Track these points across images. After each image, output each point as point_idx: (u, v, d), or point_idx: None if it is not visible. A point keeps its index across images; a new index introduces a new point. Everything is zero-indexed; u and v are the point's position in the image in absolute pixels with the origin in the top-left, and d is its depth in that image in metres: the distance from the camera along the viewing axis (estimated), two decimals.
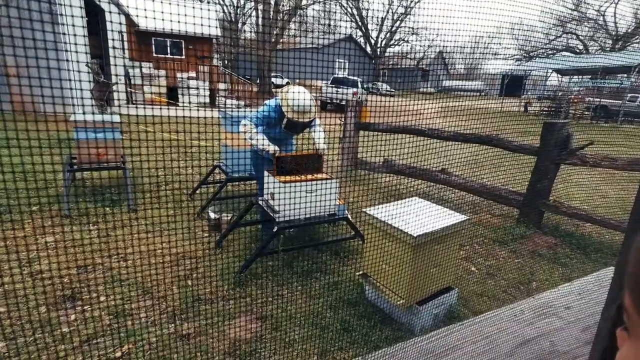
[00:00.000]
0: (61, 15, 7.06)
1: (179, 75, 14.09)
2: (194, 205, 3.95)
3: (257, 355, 1.95)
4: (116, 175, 4.51)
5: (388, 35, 34.88)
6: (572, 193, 4.58)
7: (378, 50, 34.97)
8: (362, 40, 34.99)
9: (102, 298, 2.30)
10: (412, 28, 32.51)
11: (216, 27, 17.05)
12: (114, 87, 10.21)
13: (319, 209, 2.82)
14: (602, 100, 16.06)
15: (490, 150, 4.10)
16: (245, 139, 2.86)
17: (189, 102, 13.77)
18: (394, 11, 33.27)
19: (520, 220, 3.97)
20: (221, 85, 15.14)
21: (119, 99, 11.32)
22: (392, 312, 2.29)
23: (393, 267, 2.15)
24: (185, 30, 14.20)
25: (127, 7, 12.58)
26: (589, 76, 18.33)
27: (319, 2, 24.77)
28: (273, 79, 20.25)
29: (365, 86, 17.19)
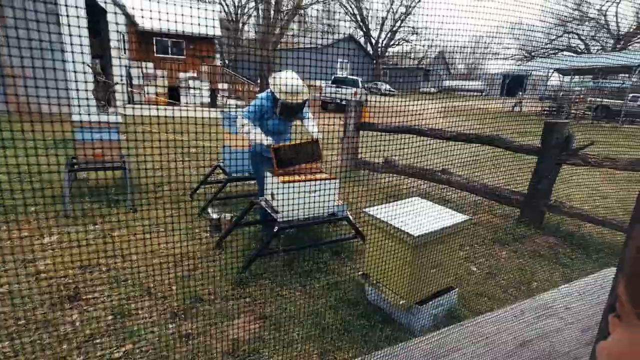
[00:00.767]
0: (63, 15, 7.07)
1: (179, 75, 14.11)
2: (195, 206, 3.96)
3: (257, 355, 1.95)
4: (116, 176, 4.52)
5: (389, 35, 34.87)
6: (573, 193, 4.58)
7: (379, 50, 34.96)
8: (362, 40, 34.99)
9: (103, 298, 2.31)
10: (413, 28, 32.52)
11: (217, 27, 17.06)
12: (115, 88, 10.22)
13: (319, 209, 2.82)
14: (603, 100, 16.03)
15: (491, 150, 4.10)
16: (242, 133, 2.87)
17: (190, 102, 13.78)
18: (395, 11, 33.27)
19: (521, 221, 3.96)
20: (222, 85, 15.16)
21: (120, 99, 11.33)
22: (393, 312, 2.29)
23: (393, 267, 2.15)
24: (186, 30, 14.22)
25: (130, 7, 12.59)
26: (590, 76, 18.30)
27: (320, 1, 24.79)
28: None
29: (366, 86, 17.19)
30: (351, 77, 16.14)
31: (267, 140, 2.81)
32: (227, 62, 21.07)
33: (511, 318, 1.60)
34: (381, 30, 34.77)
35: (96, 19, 11.02)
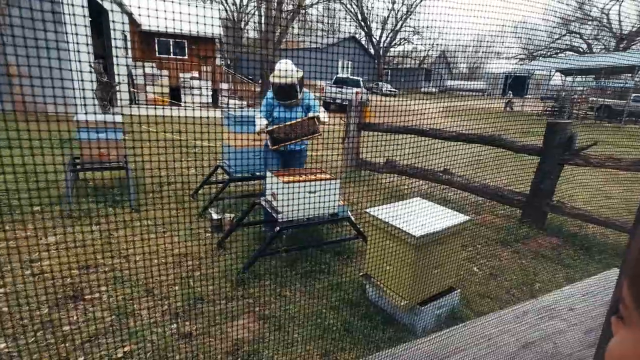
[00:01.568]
0: (65, 15, 7.08)
1: (181, 75, 14.13)
2: (197, 206, 3.96)
3: (258, 356, 1.95)
4: (119, 175, 4.52)
5: (391, 35, 34.83)
6: (575, 193, 4.56)
7: (381, 50, 34.93)
8: (364, 40, 34.96)
9: (105, 298, 2.31)
10: (415, 27, 32.47)
11: (219, 27, 17.07)
12: (117, 88, 10.25)
13: (321, 209, 2.82)
14: (605, 100, 15.97)
15: (493, 150, 4.09)
16: (259, 126, 3.04)
17: (192, 102, 13.79)
18: (397, 11, 33.24)
19: (524, 221, 3.95)
20: (224, 85, 15.17)
21: (121, 99, 11.36)
22: (394, 312, 2.28)
23: (395, 268, 2.14)
24: (188, 30, 14.24)
25: (130, 7, 12.62)
26: (593, 76, 18.23)
27: (322, 2, 24.78)
28: None
29: (367, 86, 17.16)
30: (353, 77, 16.12)
31: (260, 123, 3.00)
32: (228, 62, 21.09)
33: (514, 319, 1.59)
34: (383, 30, 34.75)
35: (98, 19, 11.06)
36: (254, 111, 3.34)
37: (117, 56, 11.80)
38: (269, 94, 3.16)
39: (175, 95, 13.62)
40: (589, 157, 3.54)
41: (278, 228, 2.67)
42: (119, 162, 3.92)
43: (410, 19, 32.86)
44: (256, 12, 27.67)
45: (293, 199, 2.59)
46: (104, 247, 2.91)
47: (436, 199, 4.54)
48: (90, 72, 8.06)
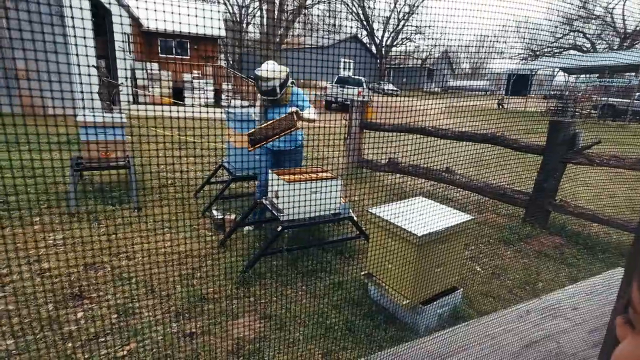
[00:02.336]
0: (68, 17, 7.12)
1: (184, 75, 14.16)
2: (198, 204, 3.97)
3: (260, 355, 1.95)
4: (124, 175, 4.54)
5: (393, 34, 34.78)
6: (579, 192, 4.53)
7: (383, 49, 34.87)
8: (366, 39, 34.92)
9: (108, 297, 2.32)
10: (417, 27, 32.40)
11: (221, 28, 17.10)
12: (120, 88, 10.28)
13: (323, 209, 2.81)
14: (609, 99, 15.88)
15: (496, 149, 4.07)
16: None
17: (194, 102, 13.82)
18: (399, 10, 33.17)
19: (526, 220, 3.93)
20: (226, 85, 15.20)
21: (124, 99, 11.39)
22: (397, 311, 2.28)
23: (397, 267, 2.14)
24: (190, 30, 14.27)
25: (135, 7, 12.66)
26: (596, 75, 18.13)
27: (324, 1, 24.77)
28: None
29: (370, 86, 17.15)
30: (355, 76, 16.11)
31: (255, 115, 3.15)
32: (231, 62, 21.12)
33: (517, 318, 1.58)
34: (385, 29, 34.69)
35: (101, 19, 11.09)
36: (253, 111, 3.38)
37: (120, 58, 11.84)
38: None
39: (177, 95, 13.65)
40: (592, 156, 3.52)
41: (280, 227, 2.67)
42: (123, 161, 3.93)
43: (412, 18, 32.80)
44: (258, 13, 27.72)
45: (295, 198, 2.59)
46: (107, 246, 2.92)
47: (438, 198, 4.53)
48: (89, 74, 8.09)
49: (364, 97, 13.55)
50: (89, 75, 7.53)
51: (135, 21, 14.05)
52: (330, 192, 2.78)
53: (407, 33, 34.74)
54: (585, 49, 27.26)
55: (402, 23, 33.65)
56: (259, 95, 3.19)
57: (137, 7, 12.78)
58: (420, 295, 2.14)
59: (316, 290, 2.57)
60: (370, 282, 2.42)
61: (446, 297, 2.31)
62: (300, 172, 2.95)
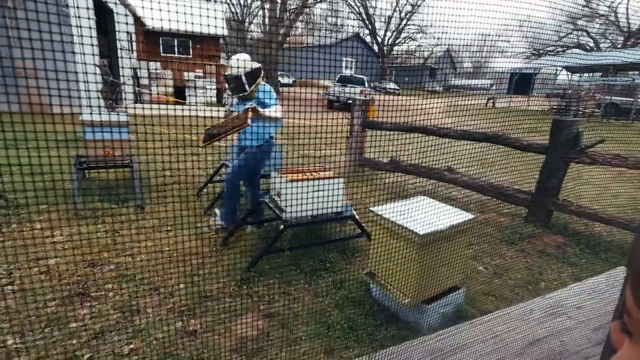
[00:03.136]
0: (71, 16, 7.14)
1: (186, 74, 14.18)
2: (202, 203, 3.98)
3: (263, 353, 1.96)
4: (128, 173, 4.55)
5: (395, 33, 34.72)
6: (581, 191, 4.52)
7: (385, 48, 34.82)
8: (368, 38, 34.87)
9: (111, 295, 2.33)
10: (420, 26, 32.32)
11: (223, 27, 17.11)
12: (123, 87, 10.31)
13: (325, 208, 2.82)
14: (612, 97, 15.80)
15: (498, 148, 4.06)
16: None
17: (196, 101, 13.84)
18: (401, 9, 33.10)
19: (529, 219, 3.92)
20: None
21: (127, 98, 11.42)
22: (399, 310, 2.28)
23: (399, 266, 2.14)
24: (192, 29, 14.28)
25: (137, 7, 12.68)
26: (600, 73, 18.04)
27: (326, 0, 24.75)
28: (279, 78, 20.31)
29: (372, 85, 17.14)
30: (357, 75, 16.10)
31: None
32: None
33: (520, 316, 1.58)
34: (387, 28, 34.62)
35: (104, 18, 11.12)
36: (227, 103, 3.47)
37: (121, 57, 11.87)
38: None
39: (179, 95, 13.68)
40: (595, 155, 3.51)
41: (282, 226, 2.67)
42: (125, 160, 3.95)
43: (414, 17, 32.73)
44: (260, 12, 27.71)
45: (297, 197, 2.60)
46: (110, 244, 2.93)
47: (440, 197, 4.53)
48: (95, 73, 8.11)
49: (366, 96, 13.55)
50: (94, 73, 7.55)
51: (137, 20, 14.08)
52: (333, 191, 2.78)
53: (409, 32, 34.68)
54: (588, 47, 27.13)
55: (404, 22, 33.59)
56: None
57: (142, 7, 12.80)
58: (422, 294, 2.15)
59: (318, 289, 2.58)
60: (372, 281, 2.42)
61: (448, 296, 2.31)
62: (303, 171, 2.95)
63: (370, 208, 2.37)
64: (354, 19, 32.69)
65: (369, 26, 34.07)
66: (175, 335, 2.03)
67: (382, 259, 2.29)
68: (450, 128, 4.41)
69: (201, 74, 14.61)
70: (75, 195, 3.53)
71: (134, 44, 14.05)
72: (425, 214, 2.21)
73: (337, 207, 2.88)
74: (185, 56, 15.87)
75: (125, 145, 3.93)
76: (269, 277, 2.67)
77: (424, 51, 33.88)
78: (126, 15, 12.55)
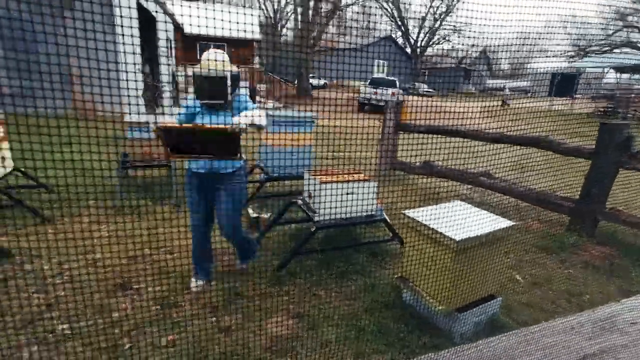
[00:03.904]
0: (118, 25, 7.58)
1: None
2: None
3: (293, 352, 1.97)
4: (160, 173, 4.75)
5: (428, 34, 34.03)
6: (631, 200, 4.21)
7: (418, 50, 34.21)
8: (401, 40, 34.40)
9: (150, 288, 2.44)
10: (454, 26, 31.49)
11: (257, 32, 17.52)
12: (163, 90, 10.79)
13: (357, 210, 2.81)
14: None
15: (538, 152, 3.87)
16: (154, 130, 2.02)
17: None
18: (435, 10, 32.42)
19: (571, 228, 3.71)
20: (260, 87, 15.53)
21: (167, 101, 11.93)
22: (431, 317, 2.23)
23: (433, 272, 2.09)
24: (227, 34, 14.72)
25: (178, 15, 13.27)
26: None
27: (358, 3, 24.70)
28: (311, 80, 20.48)
29: (403, 86, 16.89)
30: (388, 77, 15.92)
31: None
32: (266, 64, 21.56)
33: (568, 330, 1.50)
34: (420, 29, 34.01)
35: (146, 25, 11.70)
36: (179, 113, 2.48)
37: (163, 64, 12.42)
38: (191, 96, 2.43)
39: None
40: None
41: (314, 228, 2.69)
42: (164, 161, 4.12)
43: (449, 17, 31.93)
44: (292, 16, 28.10)
45: (329, 198, 2.61)
46: (151, 240, 3.07)
47: (476, 203, 4.37)
48: (137, 76, 8.54)
49: (397, 98, 13.37)
50: (136, 80, 7.95)
51: (177, 28, 14.70)
52: (365, 193, 2.77)
53: (443, 33, 33.88)
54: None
55: (438, 22, 32.86)
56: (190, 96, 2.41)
57: (182, 15, 13.34)
58: (456, 301, 2.09)
59: (348, 291, 2.57)
60: (403, 285, 2.38)
61: (484, 305, 2.23)
62: (335, 173, 2.96)
63: (405, 212, 2.33)
64: (386, 22, 32.39)
65: (402, 28, 33.62)
66: (209, 330, 2.09)
67: (416, 263, 2.25)
68: (487, 130, 4.26)
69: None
70: (118, 190, 3.73)
71: (173, 50, 14.67)
72: (462, 220, 2.15)
73: (369, 210, 2.86)
74: None
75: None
76: (299, 278, 2.69)
77: (458, 51, 32.95)
78: (166, 22, 13.14)
